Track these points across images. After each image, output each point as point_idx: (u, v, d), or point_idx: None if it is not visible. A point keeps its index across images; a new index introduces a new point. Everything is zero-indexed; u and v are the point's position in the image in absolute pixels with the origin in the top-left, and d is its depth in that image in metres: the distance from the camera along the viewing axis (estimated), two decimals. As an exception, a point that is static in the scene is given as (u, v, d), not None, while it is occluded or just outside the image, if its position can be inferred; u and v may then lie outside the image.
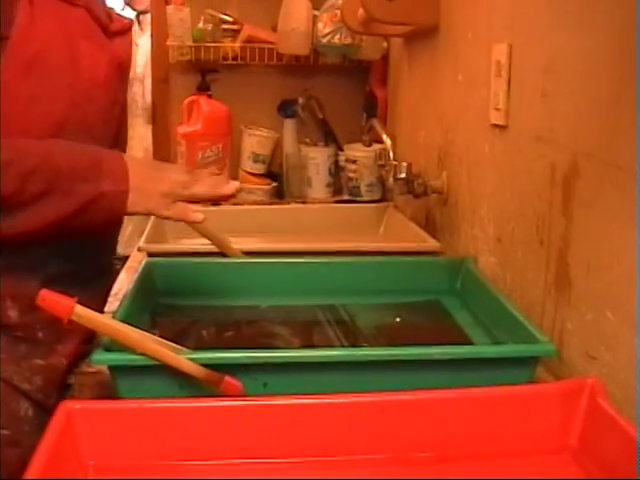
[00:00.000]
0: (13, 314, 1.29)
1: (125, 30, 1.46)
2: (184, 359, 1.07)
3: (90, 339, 1.37)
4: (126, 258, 3.85)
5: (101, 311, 1.43)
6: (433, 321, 1.45)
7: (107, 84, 1.35)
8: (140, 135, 4.17)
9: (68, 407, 0.94)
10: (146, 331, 1.13)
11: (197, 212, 1.33)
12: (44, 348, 1.34)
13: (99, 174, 1.24)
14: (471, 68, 1.75)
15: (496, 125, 1.57)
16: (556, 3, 1.32)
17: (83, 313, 1.06)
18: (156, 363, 1.07)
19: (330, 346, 1.29)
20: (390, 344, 1.30)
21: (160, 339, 1.10)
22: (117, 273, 3.86)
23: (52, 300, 1.05)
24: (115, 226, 1.37)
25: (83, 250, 1.37)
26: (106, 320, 1.10)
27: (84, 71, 1.30)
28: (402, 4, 2.00)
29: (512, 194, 1.49)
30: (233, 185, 1.34)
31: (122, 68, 1.41)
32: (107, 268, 1.53)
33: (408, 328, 1.42)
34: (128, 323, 1.13)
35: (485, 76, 1.61)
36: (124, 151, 1.55)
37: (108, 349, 1.10)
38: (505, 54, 1.50)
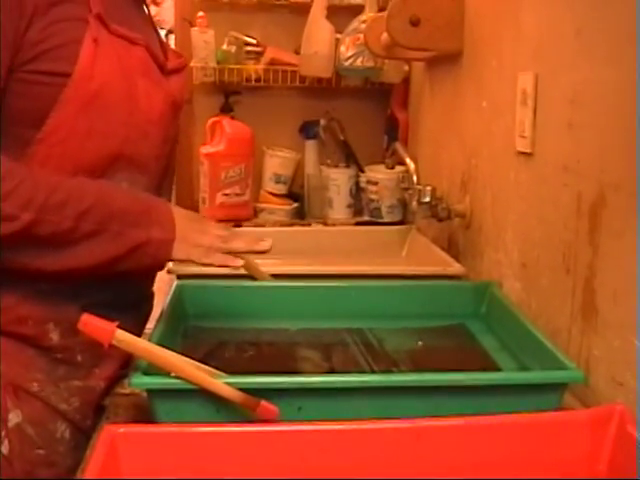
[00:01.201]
0: (55, 337, 1.32)
1: (180, 68, 1.50)
2: (221, 383, 1.09)
3: (127, 363, 1.40)
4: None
5: (140, 335, 1.46)
6: (460, 345, 1.47)
7: (161, 121, 1.39)
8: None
9: (112, 431, 0.97)
10: (183, 355, 1.15)
11: (237, 258, 1.38)
12: (83, 371, 1.37)
13: (149, 221, 1.29)
14: (495, 95, 1.78)
15: (522, 153, 1.59)
16: (583, 35, 1.34)
17: (123, 338, 1.09)
18: (194, 387, 1.10)
19: (361, 371, 1.31)
20: (419, 368, 1.32)
21: (197, 363, 1.12)
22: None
23: (93, 325, 1.08)
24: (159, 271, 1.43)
25: (129, 278, 1.40)
26: (145, 345, 1.12)
27: (140, 108, 1.34)
28: (426, 30, 2.03)
29: (538, 221, 1.52)
30: (267, 242, 1.39)
31: (176, 106, 1.45)
32: (148, 294, 1.56)
33: (436, 352, 1.44)
34: (163, 346, 1.15)
35: (510, 104, 1.64)
36: (171, 184, 1.59)
37: (146, 373, 1.12)
38: (531, 83, 1.53)
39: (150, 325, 1.54)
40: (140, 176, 1.39)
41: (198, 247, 1.33)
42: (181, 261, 1.36)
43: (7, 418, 1.27)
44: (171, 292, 1.52)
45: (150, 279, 1.55)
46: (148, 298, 1.56)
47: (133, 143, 1.34)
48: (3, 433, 1.26)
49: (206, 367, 1.12)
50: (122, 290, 1.40)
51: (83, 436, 1.35)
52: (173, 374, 1.11)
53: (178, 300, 1.52)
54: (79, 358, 1.35)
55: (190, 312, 1.55)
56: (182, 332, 1.47)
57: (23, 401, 1.29)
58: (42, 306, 1.31)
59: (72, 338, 1.31)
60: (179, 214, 1.34)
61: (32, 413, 1.30)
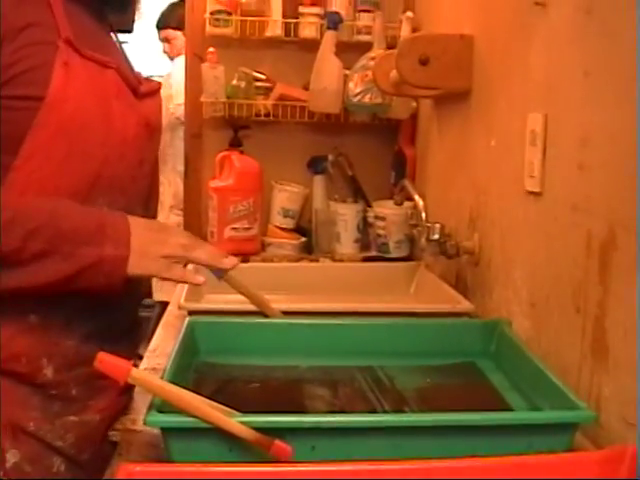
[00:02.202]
0: (49, 373, 1.33)
1: (153, 92, 1.51)
2: (235, 422, 1.10)
3: (123, 392, 1.40)
4: (159, 304, 3.88)
5: (131, 357, 1.47)
6: (469, 383, 1.48)
7: (136, 143, 1.40)
8: (169, 180, 4.24)
9: (129, 469, 0.97)
10: (195, 392, 1.16)
11: (197, 275, 1.38)
12: (77, 405, 1.37)
13: (102, 238, 1.27)
14: (504, 134, 1.80)
15: (531, 192, 1.60)
16: (591, 76, 1.36)
17: (138, 375, 1.10)
18: (208, 426, 1.10)
19: (372, 409, 1.32)
20: (431, 408, 1.33)
21: (211, 402, 1.13)
22: (147, 321, 3.89)
23: (109, 363, 1.09)
24: (117, 289, 1.36)
25: (119, 304, 1.41)
26: (160, 383, 1.13)
27: (115, 130, 1.35)
28: (435, 69, 2.05)
29: (547, 259, 1.53)
30: (232, 260, 1.40)
31: (150, 128, 1.45)
32: (138, 320, 1.57)
33: (446, 390, 1.45)
34: (176, 383, 1.16)
35: (519, 143, 1.65)
36: (156, 209, 1.59)
37: (161, 410, 1.13)
38: (540, 124, 1.54)
39: (159, 360, 1.56)
40: (120, 198, 1.39)
41: (157, 260, 1.32)
42: (141, 276, 1.35)
43: (6, 458, 1.28)
44: (183, 328, 1.53)
45: (138, 305, 1.55)
46: (138, 324, 1.57)
47: (111, 164, 1.35)
48: (2, 473, 1.27)
49: (220, 406, 1.13)
50: (113, 319, 1.41)
51: (80, 469, 1.35)
52: (190, 413, 1.11)
53: (190, 336, 1.53)
54: (74, 392, 1.35)
55: (202, 348, 1.56)
56: (194, 368, 1.48)
57: (20, 441, 1.30)
58: (34, 341, 1.31)
59: (66, 373, 1.31)
60: (138, 226, 1.32)
61: (29, 452, 1.31)
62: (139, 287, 1.53)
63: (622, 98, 1.25)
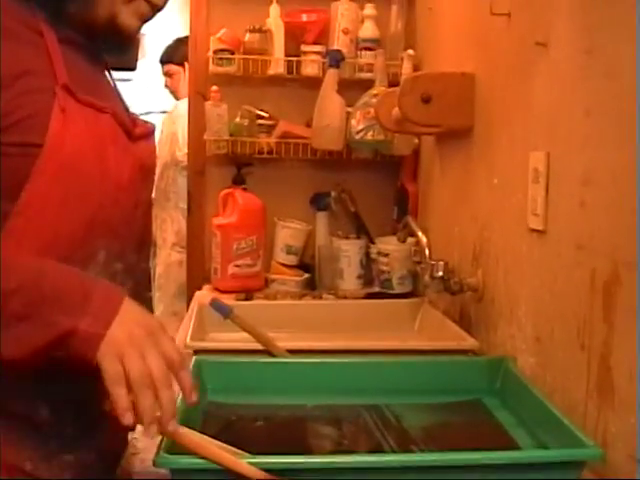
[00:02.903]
0: (45, 413, 1.30)
1: (148, 134, 1.51)
2: (245, 463, 1.10)
3: (120, 430, 1.39)
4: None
5: None
6: (476, 421, 1.49)
7: (130, 187, 1.39)
8: (172, 217, 4.25)
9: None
10: (203, 432, 1.17)
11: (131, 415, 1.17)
12: (73, 443, 1.36)
13: (83, 309, 1.16)
14: (507, 172, 1.81)
15: (534, 230, 1.62)
16: (593, 116, 1.38)
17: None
18: (218, 467, 1.11)
19: (380, 449, 1.32)
20: (438, 446, 1.34)
21: (220, 443, 1.14)
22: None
23: (120, 405, 1.09)
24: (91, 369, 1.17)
25: None
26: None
27: (110, 174, 1.34)
28: (437, 107, 2.07)
29: (551, 296, 1.54)
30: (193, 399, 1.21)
31: (144, 170, 1.45)
32: None
33: (453, 428, 1.45)
34: (183, 424, 1.17)
35: (522, 181, 1.67)
36: (149, 251, 1.58)
37: (170, 451, 1.14)
38: (543, 162, 1.56)
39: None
40: (115, 242, 1.37)
41: (116, 364, 1.14)
42: (103, 370, 1.15)
43: None
44: (190, 368, 1.53)
45: None
46: None
47: (106, 208, 1.34)
48: None
49: (229, 447, 1.13)
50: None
51: None
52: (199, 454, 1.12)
53: (197, 376, 1.53)
54: (69, 430, 1.35)
55: (208, 387, 1.57)
56: (201, 408, 1.48)
57: None
58: (32, 385, 1.28)
59: (62, 412, 1.30)
60: (128, 312, 1.19)
61: None
62: None
63: (623, 137, 1.26)
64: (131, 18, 1.39)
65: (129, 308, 1.20)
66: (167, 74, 4.64)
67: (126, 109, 1.52)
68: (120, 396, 1.13)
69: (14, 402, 1.28)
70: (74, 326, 1.14)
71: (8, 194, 1.24)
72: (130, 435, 1.48)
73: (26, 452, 1.29)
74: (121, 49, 1.45)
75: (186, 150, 3.37)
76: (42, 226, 1.26)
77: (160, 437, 1.17)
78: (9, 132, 1.23)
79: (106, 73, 1.52)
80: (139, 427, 1.20)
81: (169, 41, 4.66)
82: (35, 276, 1.18)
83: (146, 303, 1.41)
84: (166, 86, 4.72)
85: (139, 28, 1.42)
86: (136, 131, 1.46)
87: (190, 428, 1.17)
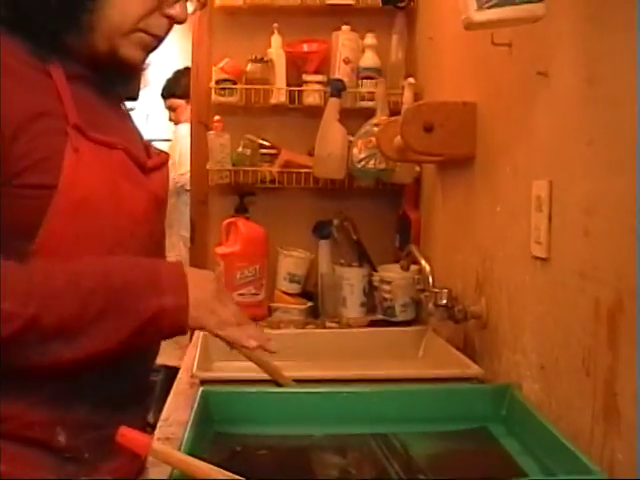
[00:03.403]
0: (62, 439, 1.32)
1: (162, 164, 1.53)
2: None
3: (135, 456, 1.41)
4: (163, 369, 3.87)
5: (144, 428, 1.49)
6: (483, 449, 1.49)
7: (146, 219, 1.41)
8: (173, 244, 4.26)
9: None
10: (212, 463, 1.18)
11: (251, 339, 1.41)
12: (89, 467, 1.37)
13: (160, 288, 1.29)
14: (510, 200, 1.83)
15: (537, 257, 1.63)
16: (595, 144, 1.39)
17: (159, 449, 1.12)
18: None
19: (387, 477, 1.33)
20: (445, 475, 1.34)
21: (229, 474, 1.15)
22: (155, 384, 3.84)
23: (131, 437, 1.11)
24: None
25: (131, 371, 1.42)
26: (181, 456, 1.15)
27: (125, 210, 1.36)
28: (439, 136, 2.09)
29: (555, 324, 1.55)
30: (273, 346, 1.45)
31: (159, 201, 1.47)
32: (148, 387, 1.57)
33: (460, 456, 1.46)
34: (192, 454, 1.18)
35: (525, 209, 1.68)
36: None
37: (180, 482, 1.15)
38: (546, 191, 1.57)
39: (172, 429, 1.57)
40: None
41: (213, 315, 1.36)
42: (199, 329, 1.40)
43: None
44: (197, 398, 1.54)
45: (149, 371, 1.56)
46: (148, 390, 1.57)
47: (122, 244, 1.36)
48: None
49: (237, 477, 1.14)
50: (124, 385, 1.40)
51: None
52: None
53: (204, 406, 1.54)
54: (86, 455, 1.36)
55: (216, 418, 1.57)
56: (209, 438, 1.49)
57: None
58: (48, 410, 1.31)
59: (79, 438, 1.32)
60: (193, 275, 1.35)
61: None
62: (150, 353, 1.54)
63: (626, 166, 1.27)
64: (133, 50, 1.41)
65: (191, 271, 1.35)
66: (170, 108, 4.68)
67: (141, 138, 1.54)
68: (234, 332, 1.38)
69: (33, 430, 1.31)
70: (160, 306, 1.28)
71: (25, 233, 1.27)
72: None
73: (43, 473, 1.31)
74: (126, 81, 1.47)
75: (183, 170, 3.39)
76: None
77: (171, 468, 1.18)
78: (25, 174, 1.26)
79: (120, 105, 1.54)
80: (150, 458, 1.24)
81: (169, 72, 4.69)
82: (103, 273, 1.28)
83: None
84: (170, 119, 4.75)
85: (143, 59, 1.45)
86: (149, 163, 1.48)
87: (197, 458, 1.18)
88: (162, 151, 1.60)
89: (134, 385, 1.46)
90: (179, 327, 1.32)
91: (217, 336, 1.39)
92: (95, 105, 1.42)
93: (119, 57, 1.40)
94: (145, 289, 1.29)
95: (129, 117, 1.57)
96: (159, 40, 1.44)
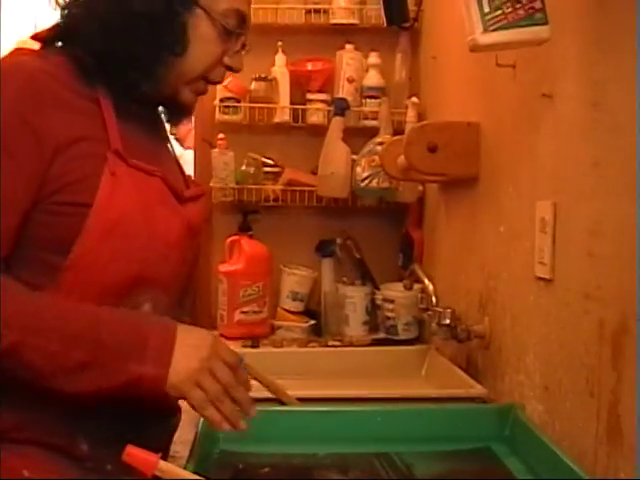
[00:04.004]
0: (84, 447, 1.35)
1: (198, 196, 1.57)
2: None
3: None
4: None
5: (168, 447, 1.52)
6: (487, 469, 1.49)
7: (179, 245, 1.45)
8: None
9: None
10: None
11: (240, 422, 1.37)
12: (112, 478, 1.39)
13: (142, 356, 1.29)
14: (513, 221, 1.83)
15: (541, 278, 1.63)
16: (601, 166, 1.40)
17: (166, 468, 1.12)
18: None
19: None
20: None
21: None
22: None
23: (137, 456, 1.11)
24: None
25: None
26: (187, 475, 1.15)
27: (159, 234, 1.41)
28: (443, 156, 2.10)
29: (559, 345, 1.55)
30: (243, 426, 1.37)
31: (192, 230, 1.51)
32: (175, 406, 1.55)
33: (463, 477, 1.47)
34: (198, 474, 1.18)
35: (528, 230, 1.69)
36: (194, 301, 1.64)
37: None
38: (550, 212, 1.58)
39: (177, 447, 1.57)
40: (163, 296, 1.44)
41: (196, 390, 1.31)
42: (177, 398, 1.36)
43: None
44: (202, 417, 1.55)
45: None
46: (175, 410, 1.56)
47: (154, 266, 1.41)
48: None
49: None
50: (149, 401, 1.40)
51: None
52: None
53: (209, 425, 1.54)
54: (109, 467, 1.37)
55: (220, 436, 1.57)
56: (213, 457, 1.49)
57: None
58: (72, 419, 1.34)
59: (101, 448, 1.34)
60: (185, 341, 1.33)
61: None
62: None
63: (631, 188, 1.28)
64: (192, 95, 1.50)
65: (184, 337, 1.33)
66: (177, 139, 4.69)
67: (181, 172, 1.62)
68: (213, 415, 1.32)
69: (58, 437, 1.34)
70: (139, 373, 1.28)
71: (60, 248, 1.33)
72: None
73: None
74: (179, 120, 1.58)
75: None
76: (89, 280, 1.35)
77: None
78: (62, 192, 1.32)
79: (165, 141, 1.62)
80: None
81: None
82: (92, 323, 1.29)
83: None
84: (172, 133, 4.76)
85: (195, 102, 1.54)
86: (187, 193, 1.54)
87: (202, 476, 1.18)
88: (200, 185, 1.65)
89: (159, 401, 1.47)
90: (156, 393, 1.31)
91: (201, 415, 1.36)
92: (140, 137, 1.48)
93: (177, 101, 1.50)
94: (129, 352, 1.29)
95: (172, 152, 1.64)
96: (214, 85, 1.56)
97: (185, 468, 1.23)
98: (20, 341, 1.24)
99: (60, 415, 1.33)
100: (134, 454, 1.11)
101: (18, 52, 1.41)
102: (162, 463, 1.12)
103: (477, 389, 1.90)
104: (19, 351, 1.24)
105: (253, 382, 1.66)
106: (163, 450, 1.48)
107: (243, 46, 1.50)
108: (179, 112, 1.55)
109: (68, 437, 1.35)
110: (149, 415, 1.42)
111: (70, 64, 1.40)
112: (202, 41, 1.44)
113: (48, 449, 1.34)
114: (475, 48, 1.44)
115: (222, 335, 2.81)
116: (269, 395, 1.67)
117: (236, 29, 1.47)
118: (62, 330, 1.27)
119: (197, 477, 1.16)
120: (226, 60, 1.49)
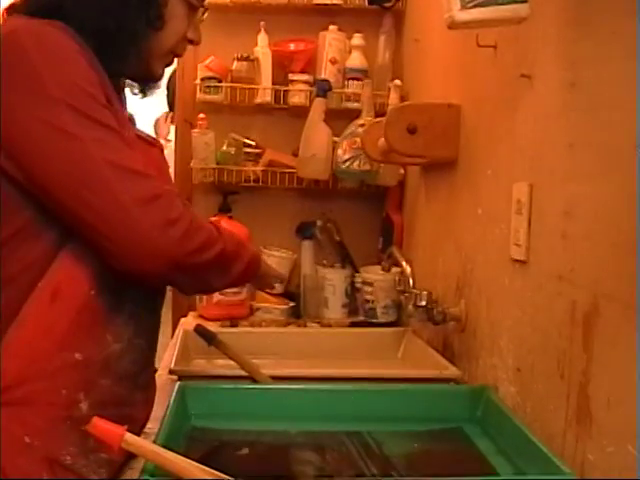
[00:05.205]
0: (84, 407, 1.37)
1: None
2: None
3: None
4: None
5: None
6: (457, 449, 1.50)
7: None
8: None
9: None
10: (187, 457, 1.18)
11: None
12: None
13: (246, 245, 1.65)
14: (491, 203, 1.83)
15: (516, 260, 1.63)
16: (576, 148, 1.39)
17: (132, 441, 1.12)
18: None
19: (361, 475, 1.33)
20: (418, 473, 1.35)
21: (204, 467, 1.15)
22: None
23: (103, 428, 1.11)
24: None
25: (150, 348, 1.52)
26: (153, 448, 1.15)
27: None
28: (423, 138, 2.09)
29: (532, 328, 1.55)
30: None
31: None
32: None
33: (434, 456, 1.47)
34: (168, 448, 1.18)
35: (505, 212, 1.69)
36: None
37: (153, 475, 1.15)
38: (526, 194, 1.58)
39: (150, 424, 1.57)
40: None
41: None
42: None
43: None
44: (174, 393, 1.55)
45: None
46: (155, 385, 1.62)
47: None
48: None
49: (213, 471, 1.14)
50: (148, 361, 1.52)
51: None
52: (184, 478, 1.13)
53: (181, 401, 1.54)
54: None
55: (192, 412, 1.57)
56: (185, 433, 1.49)
57: (58, 474, 1.34)
58: (76, 376, 1.36)
59: (99, 410, 1.34)
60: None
61: None
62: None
63: (605, 170, 1.28)
64: (161, 68, 1.60)
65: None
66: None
67: None
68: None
69: (59, 394, 1.36)
70: (253, 252, 1.67)
71: None
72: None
73: (67, 447, 1.36)
74: (149, 93, 1.66)
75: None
76: None
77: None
78: None
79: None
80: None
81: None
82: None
83: None
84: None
85: (164, 75, 1.63)
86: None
87: (171, 451, 1.18)
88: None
89: (151, 367, 1.55)
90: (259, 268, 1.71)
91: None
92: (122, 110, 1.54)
93: (149, 74, 1.58)
94: (241, 243, 1.62)
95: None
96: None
97: (154, 443, 1.22)
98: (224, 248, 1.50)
99: (66, 374, 1.36)
100: (99, 426, 1.10)
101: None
102: (128, 435, 1.11)
103: (451, 370, 1.90)
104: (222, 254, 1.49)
105: (226, 361, 1.67)
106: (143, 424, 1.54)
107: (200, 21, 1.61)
108: (150, 85, 1.63)
109: (70, 396, 1.36)
110: (148, 377, 1.51)
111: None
112: (174, 16, 1.53)
113: (50, 409, 1.35)
114: (453, 25, 1.43)
115: (201, 316, 2.82)
116: (242, 373, 1.67)
117: (200, 3, 1.59)
118: (232, 236, 1.58)
119: (164, 450, 1.15)
120: (189, 34, 1.59)
